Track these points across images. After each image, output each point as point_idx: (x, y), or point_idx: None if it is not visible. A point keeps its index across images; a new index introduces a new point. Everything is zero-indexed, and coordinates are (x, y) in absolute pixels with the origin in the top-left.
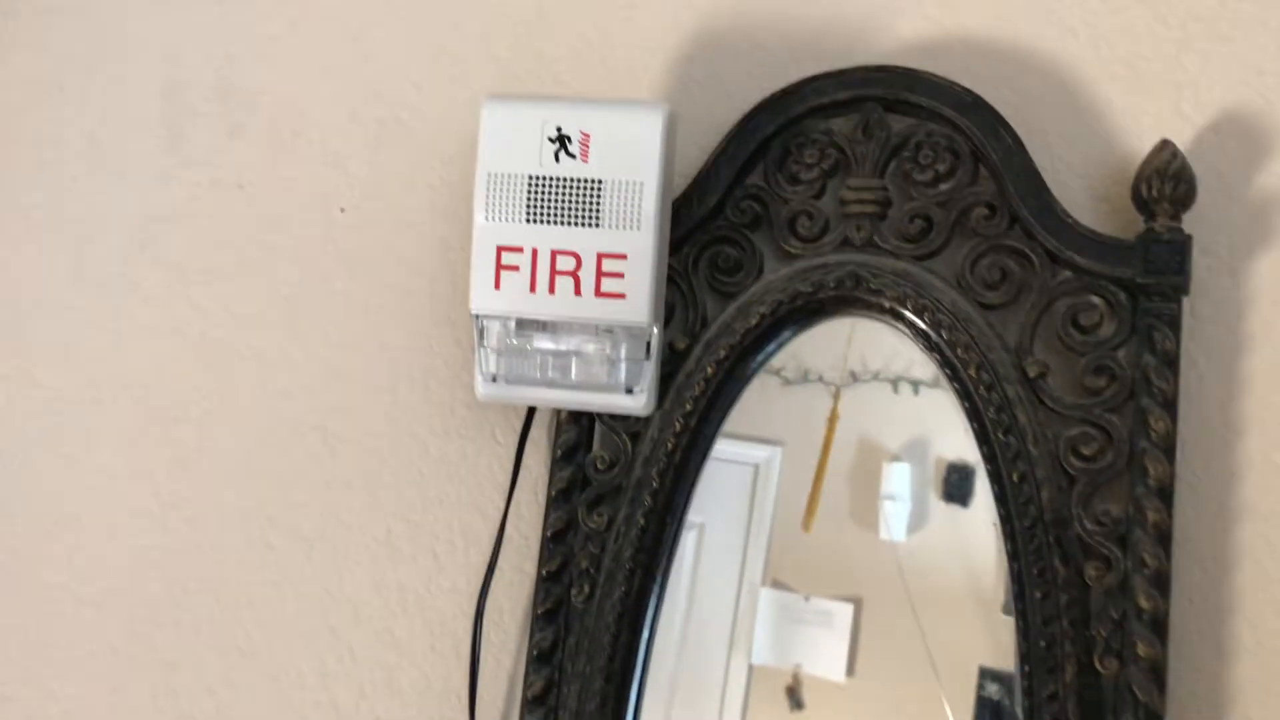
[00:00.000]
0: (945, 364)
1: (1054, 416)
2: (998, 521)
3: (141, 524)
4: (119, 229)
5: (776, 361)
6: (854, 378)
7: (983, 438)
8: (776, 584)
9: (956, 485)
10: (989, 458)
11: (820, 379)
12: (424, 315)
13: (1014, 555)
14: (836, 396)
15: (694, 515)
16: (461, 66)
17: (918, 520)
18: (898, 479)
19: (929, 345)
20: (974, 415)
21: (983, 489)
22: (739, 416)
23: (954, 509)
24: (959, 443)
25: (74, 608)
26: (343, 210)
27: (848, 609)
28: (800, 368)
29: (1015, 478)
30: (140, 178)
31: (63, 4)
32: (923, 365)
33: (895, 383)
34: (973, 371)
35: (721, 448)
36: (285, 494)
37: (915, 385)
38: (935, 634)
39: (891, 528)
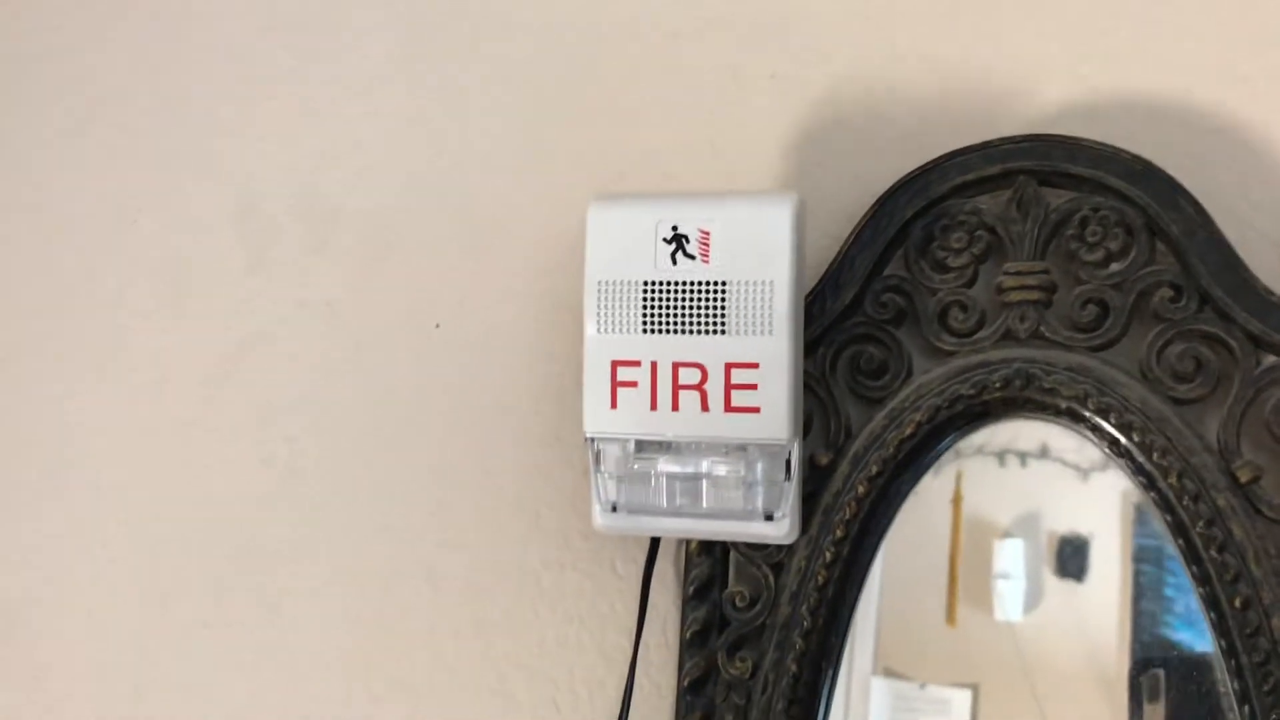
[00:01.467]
0: (1139, 471)
1: (1276, 528)
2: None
3: (234, 678)
4: (200, 362)
5: None
6: (957, 454)
7: (1192, 557)
8: (888, 672)
9: (1070, 559)
10: (1201, 579)
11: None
12: (529, 436)
13: (1243, 697)
14: (959, 478)
15: None
16: (559, 164)
17: (1033, 599)
18: (1010, 556)
19: (1118, 451)
20: (1179, 530)
21: (1098, 562)
22: None
23: (1069, 584)
24: (1070, 515)
25: None
26: (438, 326)
27: (965, 696)
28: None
29: (1237, 604)
30: (221, 305)
31: (139, 126)
32: (1028, 438)
33: (1001, 456)
34: (1174, 480)
35: None
36: (387, 640)
37: (1022, 457)
38: (1058, 717)
39: (1006, 608)
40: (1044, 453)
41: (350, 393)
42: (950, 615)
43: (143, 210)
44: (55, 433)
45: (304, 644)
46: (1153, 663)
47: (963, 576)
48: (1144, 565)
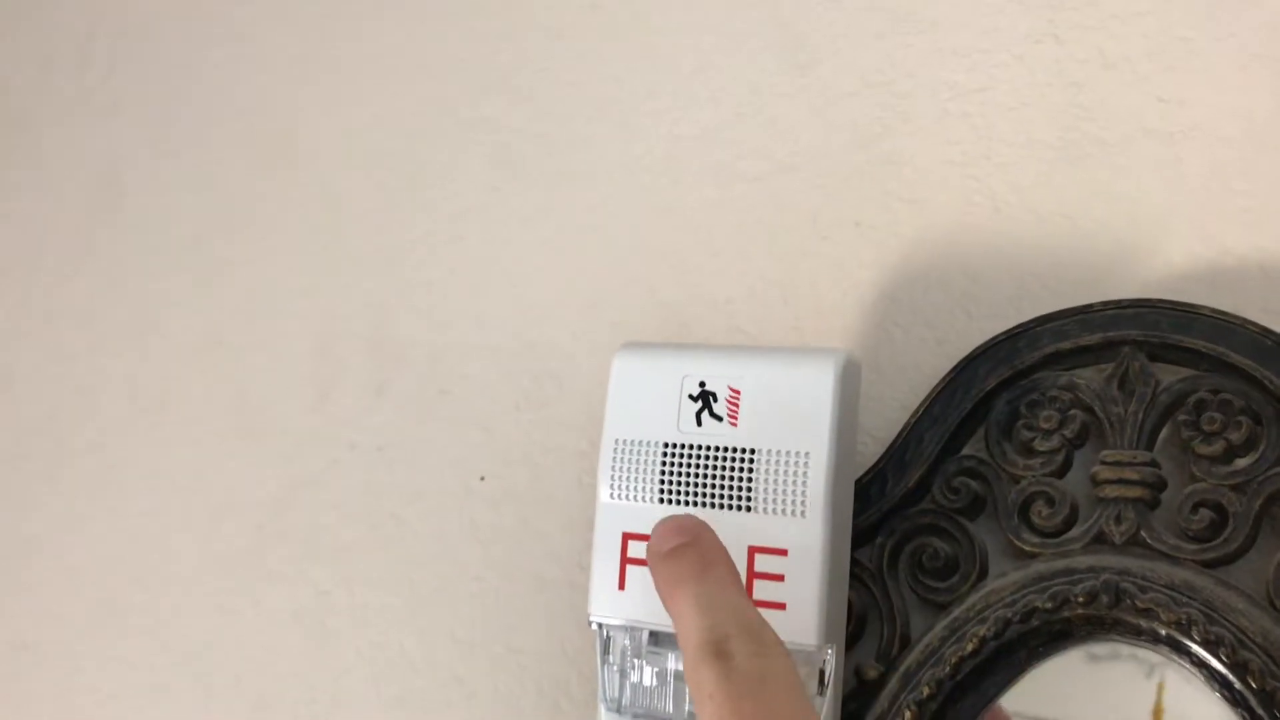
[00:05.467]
0: None
1: None
2: None
3: None
4: (254, 497)
5: None
6: (1150, 668)
7: None
8: None
9: None
10: None
11: (1134, 657)
12: (560, 611)
13: None
14: (1160, 689)
15: None
16: (623, 313)
17: None
18: None
19: (1232, 697)
20: None
21: None
22: (1034, 693)
23: None
24: None
25: None
26: (483, 479)
27: None
28: (1111, 642)
29: None
30: (283, 440)
31: (233, 255)
32: None
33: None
34: None
35: None
36: None
37: None
38: None
39: None
40: None
41: (387, 545)
42: None
43: (225, 339)
44: (117, 549)
45: None
46: None
47: None
48: None
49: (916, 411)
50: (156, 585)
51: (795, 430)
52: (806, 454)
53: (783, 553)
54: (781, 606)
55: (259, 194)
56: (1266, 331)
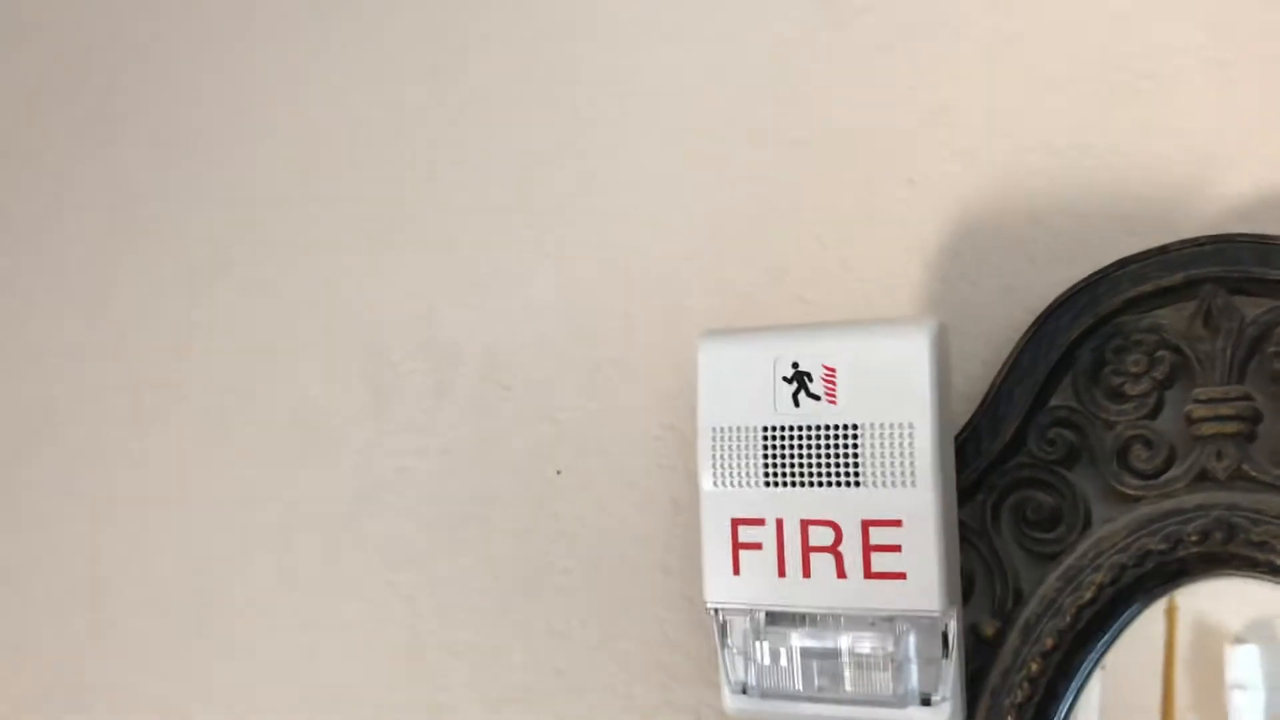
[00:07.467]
0: None
1: None
2: None
3: None
4: (324, 510)
5: None
6: None
7: None
8: None
9: None
10: None
11: None
12: (655, 596)
13: None
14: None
15: None
16: (681, 292)
17: (1276, 709)
18: (1245, 664)
19: None
20: None
21: None
22: None
23: None
24: None
25: None
26: (559, 472)
27: None
28: None
29: None
30: (346, 450)
31: (270, 274)
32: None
33: None
34: None
35: None
36: None
37: None
38: None
39: None
40: None
41: (468, 547)
42: None
43: (278, 349)
44: (194, 574)
45: None
46: None
47: (1190, 693)
48: None
49: (1003, 367)
50: (238, 605)
51: (896, 402)
52: (910, 424)
53: (897, 524)
54: (902, 576)
55: (296, 203)
56: None
